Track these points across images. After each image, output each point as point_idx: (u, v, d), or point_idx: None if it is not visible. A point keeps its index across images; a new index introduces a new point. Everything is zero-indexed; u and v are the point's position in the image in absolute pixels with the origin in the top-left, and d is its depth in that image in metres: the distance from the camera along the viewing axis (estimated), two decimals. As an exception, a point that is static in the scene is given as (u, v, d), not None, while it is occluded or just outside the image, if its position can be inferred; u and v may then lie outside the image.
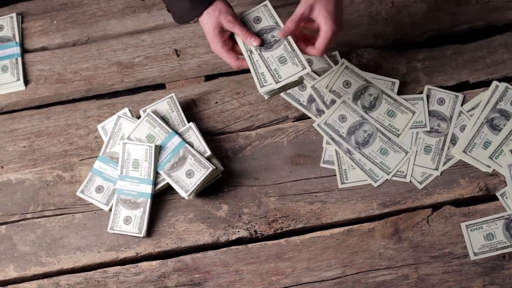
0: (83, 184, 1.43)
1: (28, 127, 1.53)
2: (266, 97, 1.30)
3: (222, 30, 1.27)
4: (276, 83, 1.24)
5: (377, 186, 1.40)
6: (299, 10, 1.23)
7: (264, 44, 1.27)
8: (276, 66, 1.25)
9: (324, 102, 1.46)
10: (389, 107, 1.42)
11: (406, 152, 1.41)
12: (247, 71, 1.41)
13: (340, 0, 1.24)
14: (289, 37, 1.26)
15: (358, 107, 1.43)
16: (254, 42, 1.26)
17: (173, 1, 1.29)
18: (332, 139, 1.43)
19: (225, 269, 1.37)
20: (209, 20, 1.26)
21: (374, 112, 1.43)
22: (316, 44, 1.25)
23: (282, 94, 1.47)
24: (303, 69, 1.24)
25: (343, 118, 1.44)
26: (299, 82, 1.29)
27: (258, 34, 1.28)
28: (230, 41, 1.30)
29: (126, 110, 1.46)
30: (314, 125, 1.44)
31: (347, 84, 1.44)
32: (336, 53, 1.50)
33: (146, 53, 1.58)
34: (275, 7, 1.56)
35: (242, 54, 1.29)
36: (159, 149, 1.40)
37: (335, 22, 1.22)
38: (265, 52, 1.26)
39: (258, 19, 1.30)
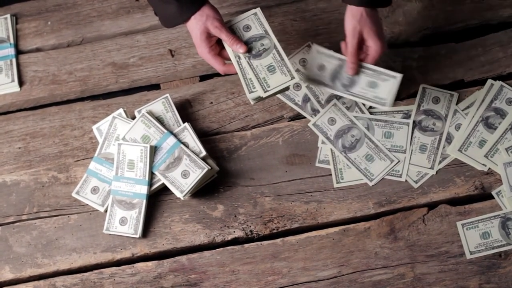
0: (79, 185, 1.42)
1: (23, 128, 1.53)
2: (252, 102, 1.30)
3: (209, 36, 1.28)
4: (265, 91, 1.24)
5: (373, 185, 1.40)
6: (353, 41, 1.30)
7: (252, 52, 1.28)
8: (265, 75, 1.25)
9: (319, 102, 1.46)
10: (369, 151, 1.42)
11: (392, 161, 1.41)
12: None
13: (378, 20, 1.30)
14: (278, 46, 1.28)
15: (339, 146, 1.43)
16: (240, 49, 1.27)
17: (160, 6, 1.29)
18: (328, 138, 1.43)
19: (221, 269, 1.37)
20: (196, 25, 1.27)
21: (352, 153, 1.43)
22: (366, 61, 1.32)
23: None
24: (291, 79, 1.25)
25: (332, 121, 1.44)
26: (286, 89, 1.29)
27: (247, 42, 1.28)
28: (217, 46, 1.31)
29: (121, 110, 1.46)
30: (309, 124, 1.44)
31: (332, 121, 1.44)
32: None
33: (140, 53, 1.58)
34: (269, 7, 1.57)
35: (229, 60, 1.30)
36: (154, 150, 1.40)
37: (381, 40, 1.29)
38: (254, 61, 1.27)
39: (247, 27, 1.30)
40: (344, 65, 1.34)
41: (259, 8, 1.32)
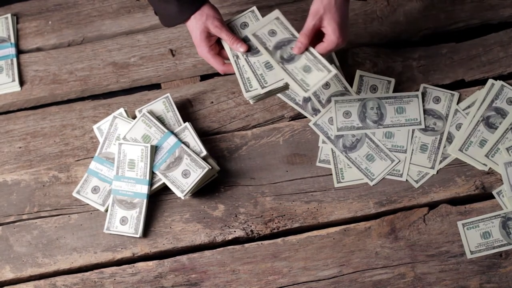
0: (79, 184, 1.42)
1: (23, 128, 1.53)
2: (251, 102, 1.30)
3: (209, 35, 1.28)
4: (305, 91, 1.22)
5: (373, 185, 1.40)
6: (310, 22, 1.23)
7: (284, 57, 1.26)
8: (302, 76, 1.24)
9: (320, 101, 1.46)
10: (369, 151, 1.42)
11: (392, 160, 1.41)
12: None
13: (346, 13, 1.25)
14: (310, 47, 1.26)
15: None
16: (241, 48, 1.27)
17: (161, 5, 1.29)
18: (329, 138, 1.43)
19: (221, 269, 1.37)
20: (196, 24, 1.27)
21: (353, 153, 1.42)
22: (318, 47, 1.25)
23: (278, 94, 1.47)
24: (329, 73, 1.23)
25: (332, 120, 1.44)
26: (285, 88, 1.28)
27: (276, 47, 1.27)
28: (216, 46, 1.31)
29: (121, 110, 1.46)
30: (310, 124, 1.44)
31: (272, 33, 1.37)
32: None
33: (141, 53, 1.58)
34: (270, 6, 1.57)
35: (228, 59, 1.29)
36: (155, 149, 1.40)
37: (341, 33, 1.23)
38: (288, 65, 1.25)
39: (273, 32, 1.29)
40: (293, 41, 1.28)
41: (277, 9, 1.31)
